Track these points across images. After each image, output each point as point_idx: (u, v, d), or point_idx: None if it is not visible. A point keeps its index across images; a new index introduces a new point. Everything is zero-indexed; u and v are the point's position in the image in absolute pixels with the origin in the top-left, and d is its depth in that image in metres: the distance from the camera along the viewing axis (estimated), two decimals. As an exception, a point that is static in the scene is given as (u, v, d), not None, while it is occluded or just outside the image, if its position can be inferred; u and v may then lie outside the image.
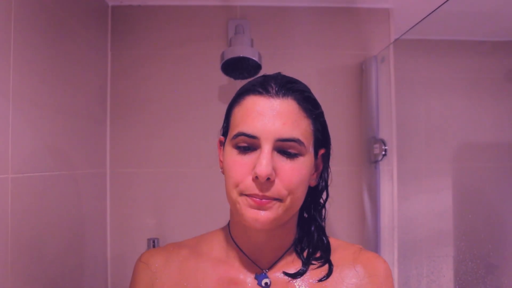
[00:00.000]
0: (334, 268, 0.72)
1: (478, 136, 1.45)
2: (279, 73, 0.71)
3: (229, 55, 1.24)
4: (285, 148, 0.63)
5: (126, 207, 1.42)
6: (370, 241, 1.41)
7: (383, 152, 1.38)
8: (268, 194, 0.62)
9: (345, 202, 1.44)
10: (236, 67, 1.30)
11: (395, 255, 1.37)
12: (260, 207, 0.63)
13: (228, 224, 0.79)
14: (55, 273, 1.02)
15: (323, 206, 0.76)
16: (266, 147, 0.62)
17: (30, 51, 0.91)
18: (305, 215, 0.76)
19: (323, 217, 0.76)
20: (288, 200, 0.64)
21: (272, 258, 0.72)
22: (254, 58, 1.25)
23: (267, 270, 0.71)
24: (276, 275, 0.71)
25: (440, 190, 1.44)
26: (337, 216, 1.43)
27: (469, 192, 1.41)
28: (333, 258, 0.73)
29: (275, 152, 0.63)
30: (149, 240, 1.38)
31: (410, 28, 1.24)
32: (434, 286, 1.34)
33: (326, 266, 0.72)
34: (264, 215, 0.63)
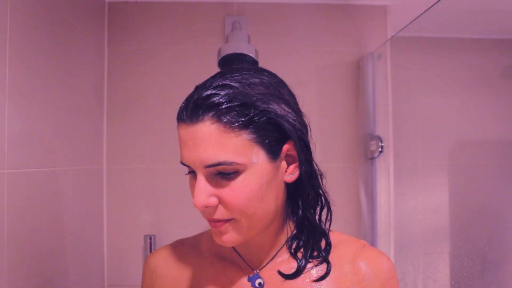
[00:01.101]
0: (334, 267, 0.68)
1: (474, 134, 1.45)
2: (203, 84, 0.65)
3: (226, 51, 1.24)
4: (218, 171, 0.59)
5: (123, 203, 1.42)
6: (367, 238, 1.41)
7: (380, 149, 1.39)
8: (216, 217, 0.61)
9: (342, 199, 1.44)
10: (233, 63, 1.30)
11: (391, 251, 1.38)
12: (218, 232, 0.63)
13: None
14: (51, 268, 1.02)
15: (316, 201, 0.71)
16: (199, 177, 0.60)
17: (26, 47, 0.91)
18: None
19: (318, 211, 0.71)
20: (242, 219, 0.61)
21: (266, 257, 0.71)
22: (250, 55, 1.25)
23: (259, 270, 0.70)
24: (270, 274, 0.69)
25: (436, 186, 1.44)
26: (333, 213, 1.43)
27: (465, 188, 1.42)
28: (333, 255, 0.70)
29: (213, 176, 0.60)
30: (145, 236, 1.38)
31: (407, 25, 1.24)
32: (430, 282, 1.35)
33: (324, 264, 0.68)
34: (226, 238, 0.63)
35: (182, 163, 0.63)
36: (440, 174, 1.47)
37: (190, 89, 1.63)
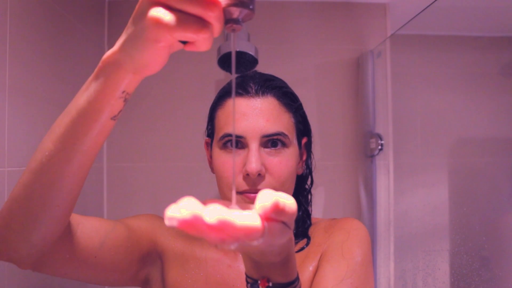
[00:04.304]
0: (311, 240, 0.76)
1: (474, 131, 1.45)
2: (256, 72, 0.74)
3: (226, 49, 1.24)
4: (271, 143, 0.67)
5: (123, 201, 1.43)
6: (366, 235, 1.41)
7: (379, 147, 1.39)
8: (260, 187, 0.65)
9: (341, 197, 1.44)
10: (233, 61, 1.30)
11: (391, 249, 1.38)
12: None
13: None
14: (52, 266, 1.02)
15: (309, 191, 0.80)
16: (253, 145, 0.65)
17: (26, 46, 0.91)
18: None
19: (309, 201, 0.81)
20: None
21: None
22: (250, 53, 1.25)
23: None
24: None
25: (436, 184, 1.44)
26: (333, 210, 1.43)
27: (465, 186, 1.42)
28: (311, 230, 0.79)
29: (262, 149, 0.67)
30: (146, 234, 1.38)
31: (406, 23, 1.24)
32: (430, 279, 1.35)
33: (305, 240, 0.76)
34: None
35: (231, 135, 0.67)
36: (440, 172, 1.47)
37: (191, 86, 1.62)
